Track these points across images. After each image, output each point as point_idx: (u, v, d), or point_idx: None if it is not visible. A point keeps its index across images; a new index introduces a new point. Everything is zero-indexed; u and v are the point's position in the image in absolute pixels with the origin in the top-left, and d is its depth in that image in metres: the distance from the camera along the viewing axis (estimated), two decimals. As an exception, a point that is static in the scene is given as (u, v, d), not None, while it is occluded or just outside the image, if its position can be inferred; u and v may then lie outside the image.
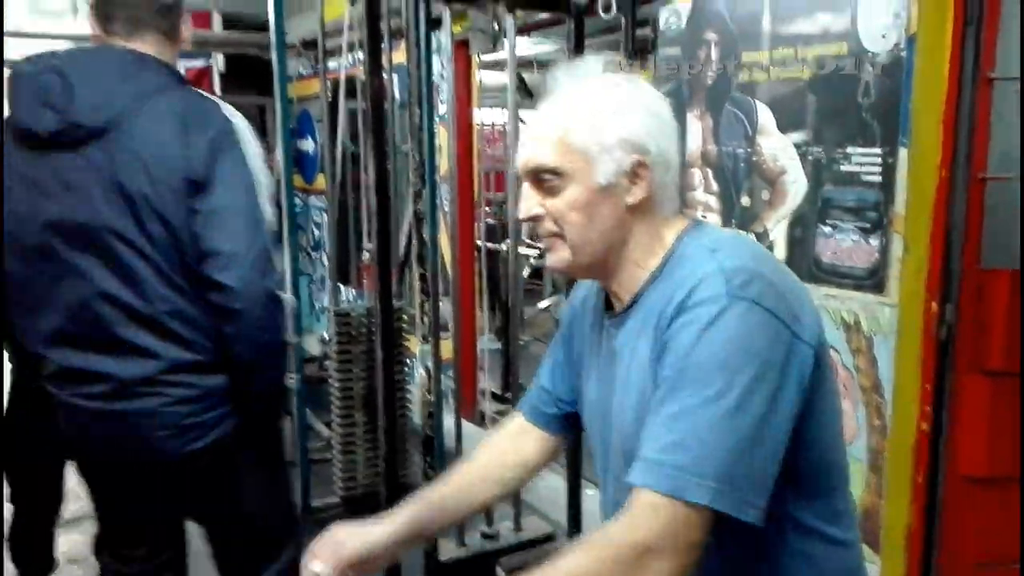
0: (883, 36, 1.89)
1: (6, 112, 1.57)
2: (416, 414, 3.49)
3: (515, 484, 1.29)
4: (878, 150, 1.92)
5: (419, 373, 2.50)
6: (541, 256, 5.14)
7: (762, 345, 0.90)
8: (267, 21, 2.97)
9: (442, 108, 3.82)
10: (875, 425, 1.96)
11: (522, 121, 2.65)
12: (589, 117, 1.00)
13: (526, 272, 6.08)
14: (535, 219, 1.04)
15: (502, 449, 1.28)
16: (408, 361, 3.63)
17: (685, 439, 0.88)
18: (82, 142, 1.45)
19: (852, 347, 2.00)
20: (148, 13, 1.56)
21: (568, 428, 1.26)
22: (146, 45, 1.56)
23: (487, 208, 4.85)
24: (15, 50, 5.26)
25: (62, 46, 5.62)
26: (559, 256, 1.04)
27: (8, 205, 1.51)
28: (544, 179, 1.02)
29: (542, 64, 6.63)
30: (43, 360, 1.55)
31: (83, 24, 5.73)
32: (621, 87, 1.02)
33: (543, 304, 6.01)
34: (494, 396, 4.02)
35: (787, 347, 0.92)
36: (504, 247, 4.39)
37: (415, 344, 3.61)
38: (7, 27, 4.92)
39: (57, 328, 1.51)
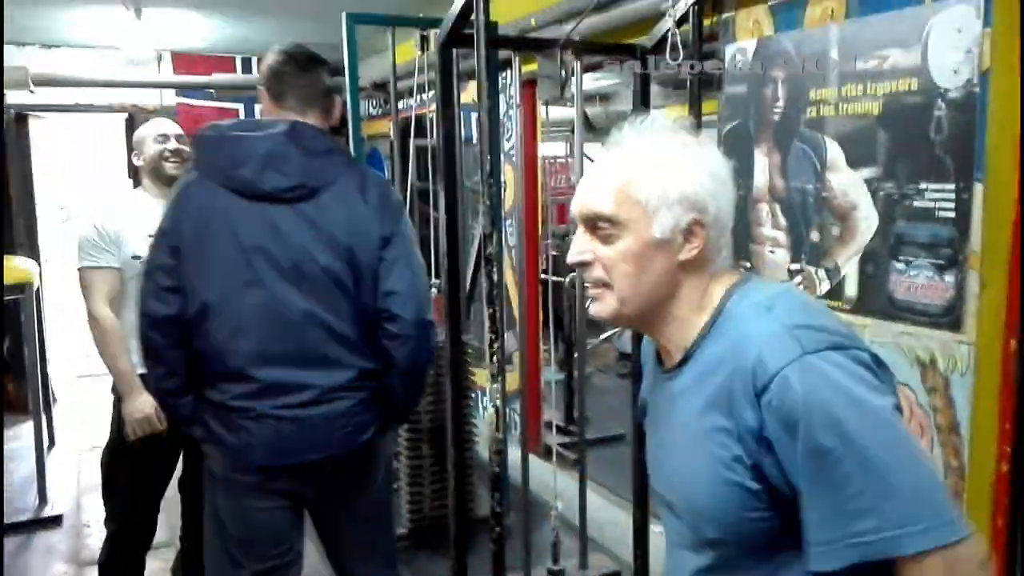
0: (955, 72, 1.88)
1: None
2: (483, 448, 3.52)
3: None
4: (952, 186, 1.89)
5: (486, 409, 2.53)
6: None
7: (859, 376, 0.91)
8: (339, 65, 3.08)
9: (506, 145, 3.89)
10: (953, 466, 1.92)
11: (588, 157, 2.69)
12: (652, 170, 1.00)
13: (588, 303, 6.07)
14: (584, 265, 1.05)
15: None
16: (473, 394, 3.67)
17: (899, 498, 0.87)
18: (299, 199, 1.77)
19: (928, 386, 1.96)
20: (314, 93, 1.87)
21: None
22: (310, 119, 1.86)
23: (549, 240, 4.88)
24: (111, 97, 5.61)
25: (150, 93, 5.94)
26: (605, 304, 1.05)
27: (209, 244, 1.76)
28: (599, 227, 1.02)
29: (604, 97, 6.68)
30: (245, 377, 1.78)
31: (166, 73, 6.01)
32: (686, 145, 1.03)
33: (605, 335, 6.01)
34: (558, 428, 4.03)
35: (873, 367, 0.94)
36: (567, 280, 4.41)
37: (480, 376, 3.65)
38: (105, 77, 5.24)
39: (263, 348, 1.78)
